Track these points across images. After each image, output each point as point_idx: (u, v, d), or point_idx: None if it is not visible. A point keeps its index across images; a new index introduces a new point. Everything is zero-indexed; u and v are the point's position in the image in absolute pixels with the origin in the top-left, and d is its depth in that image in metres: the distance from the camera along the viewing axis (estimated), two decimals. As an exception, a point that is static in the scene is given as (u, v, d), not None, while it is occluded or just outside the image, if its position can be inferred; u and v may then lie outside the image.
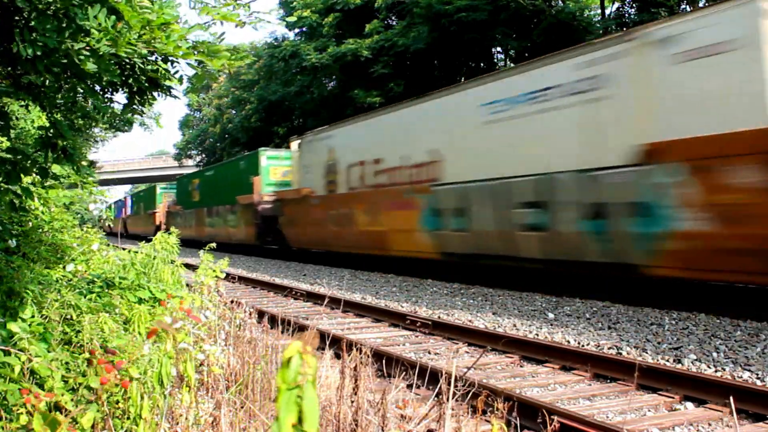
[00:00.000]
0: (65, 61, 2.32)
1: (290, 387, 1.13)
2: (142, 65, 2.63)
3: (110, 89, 2.87)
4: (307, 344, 1.17)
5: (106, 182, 55.51)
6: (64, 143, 2.79)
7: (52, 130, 2.81)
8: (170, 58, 2.63)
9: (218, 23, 2.61)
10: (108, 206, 47.27)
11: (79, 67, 2.28)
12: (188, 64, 2.59)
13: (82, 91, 2.75)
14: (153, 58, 2.64)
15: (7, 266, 3.78)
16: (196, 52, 2.47)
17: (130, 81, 2.72)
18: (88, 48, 2.30)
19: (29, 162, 2.78)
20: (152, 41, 2.31)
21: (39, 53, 2.25)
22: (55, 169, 3.11)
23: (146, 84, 2.75)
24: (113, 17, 2.21)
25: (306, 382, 1.13)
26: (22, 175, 2.80)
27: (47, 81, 2.62)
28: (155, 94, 2.85)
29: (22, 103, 3.01)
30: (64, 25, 2.27)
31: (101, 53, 2.27)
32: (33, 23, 2.30)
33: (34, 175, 3.01)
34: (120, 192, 73.64)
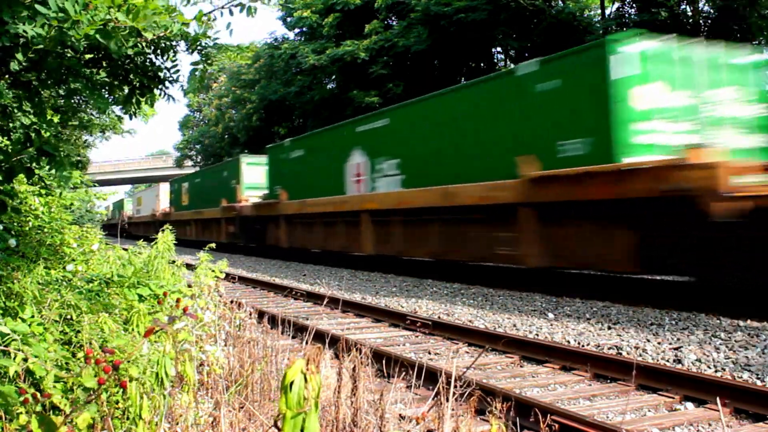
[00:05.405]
0: (42, 47, 2.32)
1: (294, 414, 1.06)
2: (136, 60, 2.63)
3: (109, 87, 2.87)
4: (311, 362, 1.09)
5: (106, 182, 55.53)
6: (42, 141, 2.78)
7: (32, 128, 2.81)
8: (167, 50, 2.63)
9: (221, 15, 2.61)
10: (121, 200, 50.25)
11: (69, 60, 2.29)
12: (184, 41, 2.58)
13: (79, 86, 2.75)
14: (150, 50, 2.65)
15: (6, 266, 3.77)
16: (171, 28, 2.47)
17: (131, 77, 2.72)
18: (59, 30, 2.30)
19: (16, 162, 2.77)
20: (117, 18, 2.31)
21: (11, 44, 2.25)
22: (42, 171, 3.10)
23: (146, 80, 2.76)
24: (82, 1, 2.23)
25: (310, 407, 1.05)
26: (15, 176, 2.79)
27: (42, 76, 2.62)
28: (156, 91, 2.84)
29: (16, 102, 3.00)
30: (37, 9, 2.27)
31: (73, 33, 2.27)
32: (3, 13, 2.30)
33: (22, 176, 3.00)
34: (120, 193, 73.61)
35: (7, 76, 2.66)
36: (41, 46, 2.32)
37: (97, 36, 2.31)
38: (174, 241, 6.33)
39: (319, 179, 16.69)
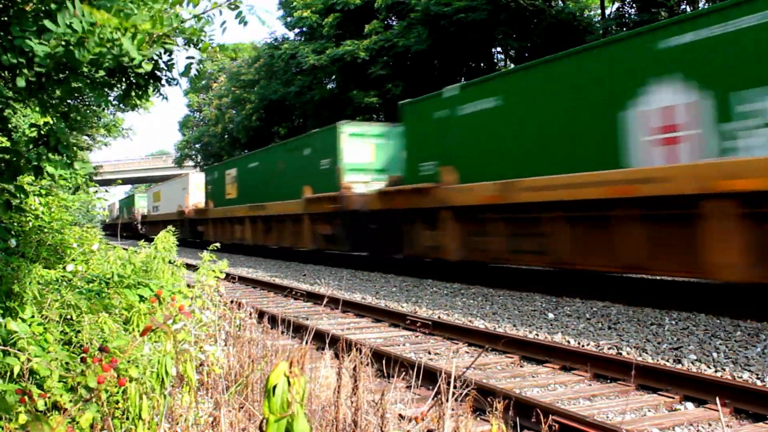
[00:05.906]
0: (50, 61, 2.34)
1: (278, 418, 1.02)
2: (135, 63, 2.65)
3: (107, 83, 2.88)
4: (295, 364, 1.06)
5: (107, 182, 55.49)
6: (56, 140, 2.80)
7: (45, 128, 2.82)
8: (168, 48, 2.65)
9: (220, 13, 2.61)
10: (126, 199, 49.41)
11: (73, 61, 2.31)
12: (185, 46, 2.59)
13: (79, 85, 2.76)
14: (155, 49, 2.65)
15: (7, 266, 3.77)
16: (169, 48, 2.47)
17: (129, 72, 2.73)
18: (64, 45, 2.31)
19: (23, 160, 2.78)
20: (120, 44, 2.30)
21: (21, 60, 2.26)
22: (50, 169, 3.10)
23: (145, 78, 2.77)
24: (89, 20, 2.24)
25: (295, 409, 1.00)
26: (20, 174, 2.80)
27: (43, 79, 2.63)
28: (151, 89, 2.86)
29: (20, 97, 3.02)
30: (42, 23, 2.29)
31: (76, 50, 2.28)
32: (11, 27, 2.31)
33: (29, 174, 3.01)
34: (120, 192, 73.66)
35: (7, 72, 2.66)
36: (49, 64, 2.32)
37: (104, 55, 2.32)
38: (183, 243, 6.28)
39: (546, 144, 9.78)
